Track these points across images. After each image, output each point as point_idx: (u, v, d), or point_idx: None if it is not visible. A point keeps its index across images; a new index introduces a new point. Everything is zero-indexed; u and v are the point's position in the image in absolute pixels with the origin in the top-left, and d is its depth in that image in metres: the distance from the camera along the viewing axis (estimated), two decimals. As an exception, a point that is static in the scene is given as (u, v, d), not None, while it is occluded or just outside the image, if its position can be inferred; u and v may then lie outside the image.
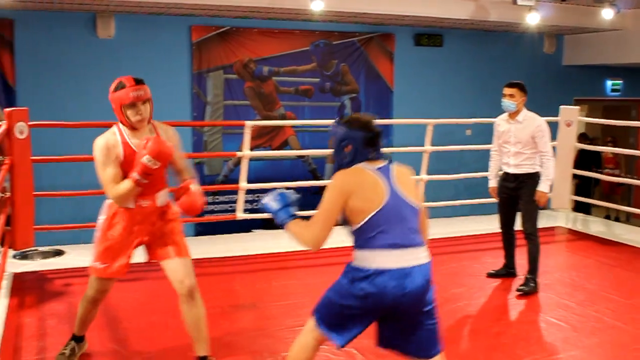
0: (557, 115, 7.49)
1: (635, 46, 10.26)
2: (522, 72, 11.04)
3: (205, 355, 3.47)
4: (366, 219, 2.72)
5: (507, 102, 5.10)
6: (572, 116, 7.42)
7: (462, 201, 7.82)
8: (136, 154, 3.29)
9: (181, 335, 3.92)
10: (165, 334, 4.10)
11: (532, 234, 5.10)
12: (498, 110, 9.03)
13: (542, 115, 7.86)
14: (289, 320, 4.35)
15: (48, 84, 8.34)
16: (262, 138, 9.48)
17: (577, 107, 7.74)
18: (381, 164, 2.83)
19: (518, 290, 4.99)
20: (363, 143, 2.82)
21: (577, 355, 3.85)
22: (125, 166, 3.32)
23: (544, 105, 8.89)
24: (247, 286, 5.15)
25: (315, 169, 9.92)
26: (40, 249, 5.95)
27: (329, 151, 9.46)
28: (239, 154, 6.37)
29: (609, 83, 12.27)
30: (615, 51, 10.65)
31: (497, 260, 5.80)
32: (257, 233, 7.37)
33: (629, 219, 11.02)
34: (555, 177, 7.55)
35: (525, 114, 5.13)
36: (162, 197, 3.50)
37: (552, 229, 7.32)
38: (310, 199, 8.98)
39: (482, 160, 8.10)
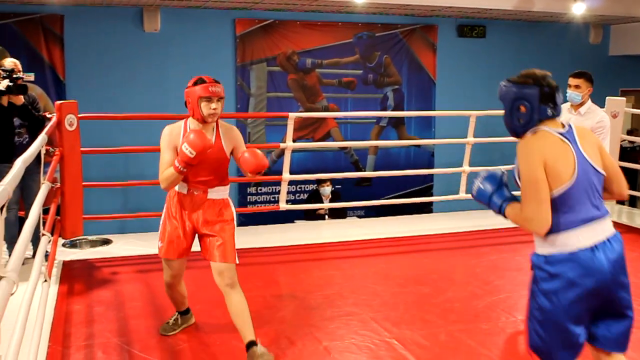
0: (603, 107, 7.38)
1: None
2: (567, 63, 10.86)
3: (253, 339, 3.55)
4: (557, 194, 2.46)
5: (572, 94, 4.93)
6: (618, 107, 7.32)
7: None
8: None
9: (224, 325, 4.03)
10: (209, 323, 4.18)
11: None
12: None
13: (587, 106, 7.78)
14: (329, 311, 4.38)
15: (96, 78, 8.55)
16: (305, 130, 9.56)
17: (624, 99, 7.63)
18: (563, 127, 2.56)
19: None
20: (540, 100, 2.56)
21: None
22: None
23: (590, 96, 8.76)
24: (288, 276, 5.20)
25: (357, 161, 9.96)
26: (89, 237, 6.08)
27: (370, 143, 9.53)
28: (282, 145, 6.44)
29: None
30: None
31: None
32: (299, 224, 7.44)
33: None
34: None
35: (589, 106, 4.98)
36: (217, 191, 3.73)
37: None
38: (353, 190, 9.14)
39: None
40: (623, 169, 8.64)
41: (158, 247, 3.76)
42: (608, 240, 2.48)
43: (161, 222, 3.77)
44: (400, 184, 9.24)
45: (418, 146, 9.86)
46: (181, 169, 3.45)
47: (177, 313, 4.06)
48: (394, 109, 9.98)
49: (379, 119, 9.91)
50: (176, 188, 3.67)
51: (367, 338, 3.92)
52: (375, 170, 9.63)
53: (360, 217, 8.86)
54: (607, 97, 7.46)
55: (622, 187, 2.66)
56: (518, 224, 2.56)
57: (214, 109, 3.54)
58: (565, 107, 5.02)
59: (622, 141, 7.73)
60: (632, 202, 9.88)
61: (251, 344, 3.51)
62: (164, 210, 3.78)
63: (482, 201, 2.71)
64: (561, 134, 2.51)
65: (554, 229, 2.45)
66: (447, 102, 9.82)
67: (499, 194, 2.64)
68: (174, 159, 3.50)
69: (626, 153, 9.82)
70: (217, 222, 3.69)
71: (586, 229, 2.46)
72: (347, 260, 5.66)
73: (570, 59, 10.85)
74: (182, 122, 3.69)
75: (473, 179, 2.78)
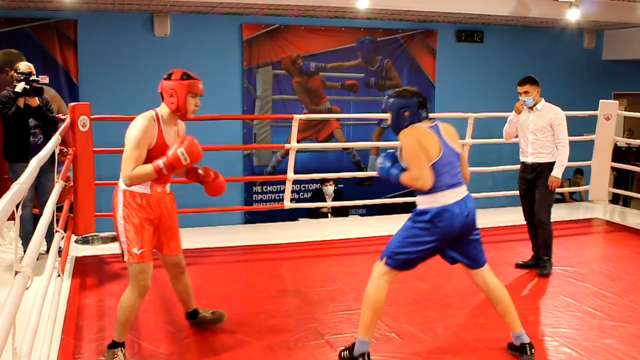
0: (596, 109, 7.55)
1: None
2: (562, 67, 11.08)
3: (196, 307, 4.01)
4: (430, 165, 3.36)
5: (525, 99, 5.24)
6: (611, 110, 7.48)
7: (500, 193, 7.94)
8: (166, 144, 3.48)
9: (230, 317, 4.14)
10: None
11: (545, 223, 5.27)
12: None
13: (581, 109, 7.98)
14: (332, 306, 4.47)
15: (108, 80, 8.71)
16: (309, 131, 9.73)
17: (616, 102, 7.79)
18: (431, 123, 3.48)
19: (539, 275, 5.21)
20: (417, 107, 3.47)
21: (613, 344, 3.88)
22: (152, 153, 3.44)
23: (583, 100, 8.96)
24: (292, 272, 5.30)
25: (359, 161, 10.13)
26: (100, 234, 6.19)
27: (373, 144, 9.69)
28: (287, 146, 6.57)
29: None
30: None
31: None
32: (303, 222, 7.58)
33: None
34: (593, 170, 7.65)
35: (544, 104, 5.28)
36: (168, 184, 3.71)
37: (589, 220, 7.40)
38: (355, 189, 9.31)
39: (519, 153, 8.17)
40: (616, 169, 8.74)
41: (135, 253, 3.44)
42: (463, 199, 3.44)
43: (126, 227, 3.43)
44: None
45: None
46: (164, 171, 3.38)
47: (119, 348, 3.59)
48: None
49: (380, 120, 10.08)
50: (134, 188, 3.47)
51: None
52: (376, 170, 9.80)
53: (362, 215, 9.03)
54: (600, 100, 7.62)
55: (467, 171, 3.62)
56: (409, 184, 3.41)
57: (197, 105, 3.58)
58: (525, 111, 5.37)
59: (616, 142, 7.88)
60: (625, 201, 10.05)
61: (196, 311, 4.02)
62: (123, 212, 3.45)
63: (384, 174, 3.51)
64: (429, 127, 3.45)
65: (431, 190, 3.37)
66: (446, 105, 9.96)
67: (396, 166, 3.45)
68: (144, 156, 3.39)
69: (621, 153, 9.99)
70: (174, 215, 3.74)
71: (451, 191, 3.41)
72: (349, 257, 5.77)
73: (565, 63, 11.04)
74: (153, 115, 3.54)
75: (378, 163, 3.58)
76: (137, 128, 3.43)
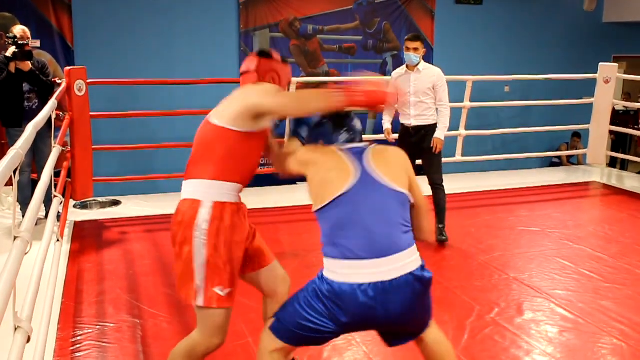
0: (595, 73, 7.52)
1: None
2: (562, 30, 11.01)
3: None
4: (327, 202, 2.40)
5: (412, 55, 5.02)
6: (610, 73, 7.45)
7: (499, 156, 7.94)
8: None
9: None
10: None
11: (441, 184, 5.14)
12: (536, 68, 9.13)
13: (580, 72, 7.97)
14: None
15: (104, 44, 8.64)
16: (306, 94, 9.68)
17: (616, 65, 7.77)
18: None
19: (438, 241, 5.05)
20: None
21: (608, 306, 3.95)
22: (252, 139, 2.55)
23: (582, 63, 8.93)
24: (290, 235, 5.33)
25: (356, 125, 10.10)
26: (99, 199, 6.21)
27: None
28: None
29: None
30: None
31: (531, 214, 5.97)
32: (301, 185, 7.59)
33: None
34: (592, 133, 7.66)
35: (425, 65, 5.12)
36: None
37: (587, 184, 7.43)
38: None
39: (519, 117, 8.25)
40: (613, 133, 8.76)
41: (219, 295, 2.49)
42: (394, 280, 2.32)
43: (210, 255, 2.46)
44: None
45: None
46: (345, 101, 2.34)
47: None
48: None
49: (380, 84, 10.04)
50: (220, 198, 2.49)
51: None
52: (374, 133, 9.78)
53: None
54: (599, 63, 7.58)
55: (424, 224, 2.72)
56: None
57: None
58: (400, 69, 5.21)
59: (614, 105, 7.86)
60: (623, 165, 10.08)
61: None
62: (207, 234, 2.45)
63: None
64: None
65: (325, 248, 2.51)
66: (444, 68, 9.77)
67: None
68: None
69: (619, 117, 9.97)
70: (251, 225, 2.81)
71: (362, 263, 2.36)
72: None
73: (565, 26, 10.97)
74: None
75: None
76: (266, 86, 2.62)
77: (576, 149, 9.84)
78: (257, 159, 2.66)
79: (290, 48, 9.67)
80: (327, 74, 9.86)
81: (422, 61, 5.11)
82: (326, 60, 9.90)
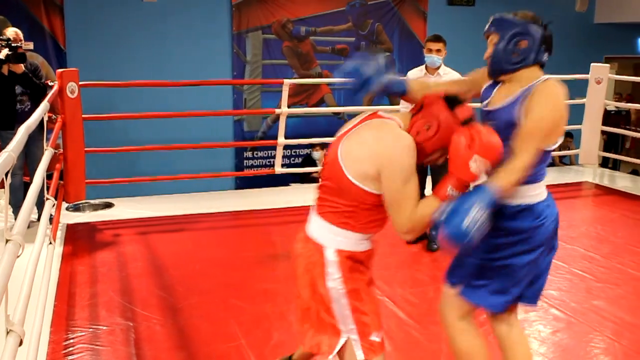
0: (587, 73, 7.55)
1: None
2: (554, 30, 10.91)
3: None
4: (548, 149, 2.33)
5: (435, 57, 4.80)
6: (602, 74, 7.48)
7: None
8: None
9: (221, 282, 4.21)
10: (208, 282, 4.29)
11: None
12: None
13: (572, 73, 7.98)
14: None
15: (96, 46, 8.63)
16: (300, 96, 9.69)
17: (607, 65, 7.79)
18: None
19: (428, 249, 4.95)
20: (540, 42, 2.39)
21: (601, 305, 3.98)
22: None
23: (574, 63, 8.92)
24: (283, 236, 5.27)
25: (350, 126, 10.11)
26: (91, 201, 6.16)
27: (364, 108, 9.63)
28: (277, 111, 6.55)
29: (640, 41, 12.20)
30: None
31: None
32: (294, 187, 7.60)
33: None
34: (584, 133, 7.68)
35: (445, 69, 4.89)
36: None
37: (579, 184, 7.44)
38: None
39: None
40: (605, 133, 8.80)
41: (376, 342, 2.27)
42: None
43: (356, 303, 2.24)
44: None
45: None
46: (453, 196, 2.19)
47: None
48: (385, 76, 10.11)
49: (372, 85, 10.06)
50: (343, 246, 2.24)
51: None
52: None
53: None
54: (591, 64, 7.61)
55: None
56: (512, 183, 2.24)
57: None
58: (419, 71, 4.94)
59: (606, 106, 7.89)
60: (615, 165, 10.12)
61: None
62: (344, 282, 2.23)
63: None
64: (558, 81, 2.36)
65: (537, 179, 2.40)
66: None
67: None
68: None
69: (610, 117, 10.04)
70: None
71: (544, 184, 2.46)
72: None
73: (557, 27, 10.86)
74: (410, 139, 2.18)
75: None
76: (408, 150, 2.14)
77: (568, 149, 9.85)
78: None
79: (283, 50, 9.68)
80: (319, 76, 9.87)
81: (443, 64, 4.89)
82: (319, 62, 9.91)
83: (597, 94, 7.51)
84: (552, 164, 10.18)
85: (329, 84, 9.88)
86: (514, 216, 2.38)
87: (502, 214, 2.35)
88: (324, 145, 8.97)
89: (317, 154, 8.26)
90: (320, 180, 2.35)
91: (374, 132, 2.20)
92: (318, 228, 2.31)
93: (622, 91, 12.03)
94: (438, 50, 4.77)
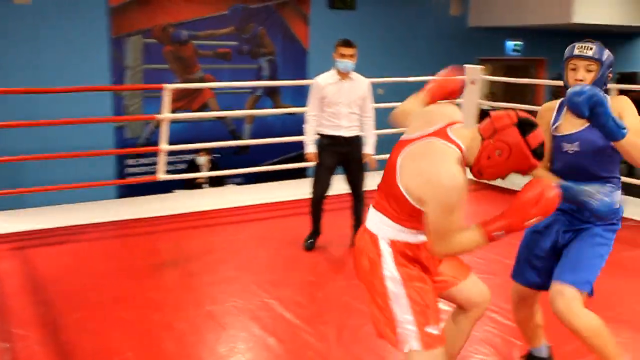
0: (462, 74, 7.86)
1: (533, 9, 10.82)
2: (430, 33, 11.48)
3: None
4: None
5: (349, 63, 4.78)
6: (475, 75, 7.82)
7: (381, 155, 8.11)
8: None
9: (107, 295, 4.07)
10: (92, 295, 4.13)
11: (364, 196, 5.05)
12: (407, 71, 9.38)
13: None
14: (211, 276, 4.46)
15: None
16: (182, 101, 9.54)
17: (481, 67, 8.14)
18: None
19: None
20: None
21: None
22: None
23: (449, 65, 9.29)
24: (170, 244, 5.21)
25: (234, 130, 10.06)
26: None
27: (247, 112, 9.55)
28: (158, 117, 6.43)
29: (510, 44, 12.89)
30: (516, 14, 11.21)
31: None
32: (179, 193, 7.48)
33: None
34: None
35: (355, 74, 4.91)
36: None
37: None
38: (231, 159, 9.23)
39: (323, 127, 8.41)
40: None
41: (434, 334, 2.30)
42: None
43: (410, 292, 2.30)
44: (276, 151, 9.41)
45: (293, 114, 10.02)
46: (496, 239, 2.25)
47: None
48: (268, 79, 10.16)
49: (255, 88, 10.05)
50: (397, 237, 2.34)
51: (248, 300, 4.04)
52: (252, 138, 9.79)
53: (239, 184, 9.01)
54: (465, 66, 7.94)
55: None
56: (634, 153, 2.52)
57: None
58: (330, 77, 4.90)
59: (481, 105, 8.24)
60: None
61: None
62: (397, 270, 2.32)
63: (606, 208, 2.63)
64: None
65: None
66: (319, 71, 9.96)
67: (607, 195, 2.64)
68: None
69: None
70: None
71: None
72: (228, 226, 5.76)
73: (433, 30, 11.45)
74: (458, 154, 2.24)
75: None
76: (457, 180, 2.16)
77: (447, 148, 10.24)
78: None
79: (164, 54, 9.49)
80: (202, 80, 9.75)
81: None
82: (201, 66, 9.79)
83: (472, 94, 7.85)
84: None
85: (212, 89, 9.79)
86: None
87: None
88: (209, 150, 8.90)
89: (201, 159, 8.17)
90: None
91: (431, 158, 2.21)
92: (373, 220, 2.39)
93: (495, 91, 12.64)
94: (351, 56, 4.79)
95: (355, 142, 4.96)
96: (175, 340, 3.52)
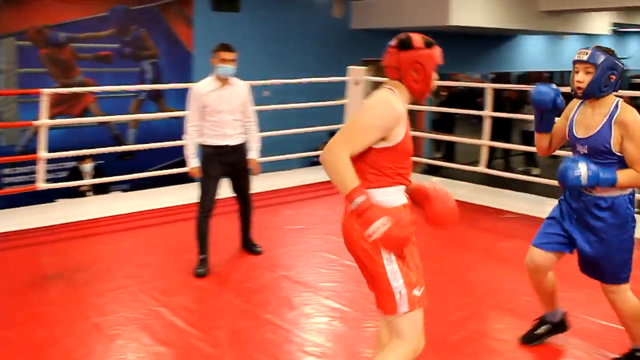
0: (346, 76, 8.03)
1: (412, 12, 11.21)
2: (313, 36, 11.64)
3: None
4: None
5: (230, 68, 4.64)
6: (359, 76, 8.00)
7: (264, 158, 8.12)
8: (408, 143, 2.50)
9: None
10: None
11: (251, 200, 5.02)
12: (294, 72, 9.47)
13: (331, 76, 8.40)
14: (98, 286, 4.35)
15: None
16: (61, 106, 9.19)
17: (364, 68, 8.34)
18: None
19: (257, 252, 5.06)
20: (621, 76, 3.01)
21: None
22: (400, 147, 2.47)
23: (333, 67, 9.48)
24: (53, 256, 5.02)
25: (118, 135, 9.81)
26: None
27: (132, 117, 9.35)
28: (35, 123, 6.17)
29: (392, 45, 13.25)
30: (397, 16, 11.57)
31: (296, 212, 6.22)
32: (61, 202, 7.21)
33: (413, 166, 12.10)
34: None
35: (233, 78, 4.77)
36: None
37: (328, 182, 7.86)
38: (116, 164, 9.01)
39: (278, 120, 8.50)
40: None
41: (417, 296, 2.48)
42: None
43: (399, 260, 2.45)
44: (163, 155, 9.25)
45: (178, 117, 9.87)
46: (350, 206, 2.37)
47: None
48: (152, 82, 9.96)
49: (138, 92, 9.83)
50: (388, 203, 2.44)
51: (137, 309, 3.97)
52: (137, 143, 9.57)
53: (125, 191, 8.79)
54: (348, 67, 8.11)
55: None
56: (630, 186, 3.00)
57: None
58: (209, 84, 4.72)
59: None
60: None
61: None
62: (392, 234, 2.37)
63: (592, 183, 2.95)
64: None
65: None
66: (204, 74, 9.79)
67: (604, 170, 2.95)
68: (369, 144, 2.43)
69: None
70: None
71: None
72: (114, 234, 5.62)
73: (316, 32, 11.62)
74: (392, 91, 2.49)
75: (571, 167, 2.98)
76: (383, 101, 2.43)
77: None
78: (410, 153, 2.54)
79: (40, 57, 9.11)
80: (82, 84, 9.43)
81: None
82: (81, 70, 9.47)
83: (356, 94, 8.02)
84: (318, 163, 10.68)
85: (93, 93, 9.49)
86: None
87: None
88: (93, 157, 8.63)
89: (85, 167, 7.90)
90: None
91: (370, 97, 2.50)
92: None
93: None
94: (232, 60, 4.65)
95: (241, 150, 4.82)
96: (61, 356, 3.41)
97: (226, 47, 4.66)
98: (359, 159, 2.43)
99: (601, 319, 3.84)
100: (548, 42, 18.09)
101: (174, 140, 7.28)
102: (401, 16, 11.44)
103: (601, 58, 2.97)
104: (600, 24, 14.30)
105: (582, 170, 2.92)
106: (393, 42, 2.53)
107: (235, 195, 5.00)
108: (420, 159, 8.73)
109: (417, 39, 2.50)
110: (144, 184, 7.72)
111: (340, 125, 8.21)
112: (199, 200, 4.76)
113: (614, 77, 2.99)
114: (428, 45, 2.50)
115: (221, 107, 4.64)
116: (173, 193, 6.90)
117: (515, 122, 11.53)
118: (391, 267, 2.43)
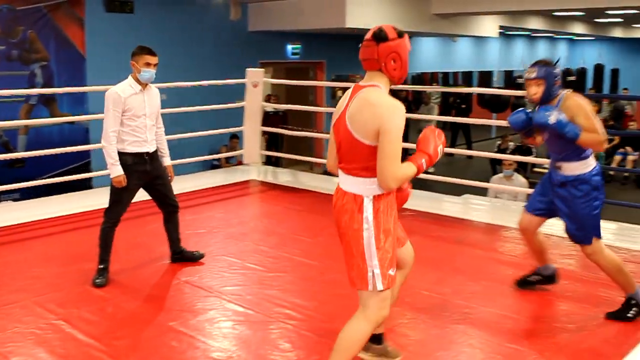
0: (244, 78, 8.02)
1: (310, 15, 11.34)
2: (210, 38, 11.56)
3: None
4: None
5: (152, 72, 4.57)
6: (258, 78, 8.00)
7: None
8: None
9: None
10: None
11: (178, 205, 4.89)
12: (192, 75, 9.37)
13: (230, 78, 8.35)
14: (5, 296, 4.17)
15: None
16: (-58, 113, 8.69)
17: (262, 70, 8.36)
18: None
19: (198, 258, 4.96)
20: (562, 76, 3.82)
21: (273, 294, 4.24)
22: None
23: (231, 69, 9.42)
24: None
25: (7, 142, 9.35)
26: None
27: (21, 122, 8.95)
28: None
29: (290, 47, 13.37)
30: (294, 18, 11.67)
31: (197, 216, 6.14)
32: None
33: (312, 168, 12.27)
34: (245, 134, 8.17)
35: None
36: None
37: (246, 182, 7.87)
38: (5, 173, 8.61)
39: (178, 124, 8.37)
40: (266, 133, 9.36)
41: (391, 276, 2.82)
42: None
43: (380, 244, 2.77)
44: (56, 162, 8.93)
45: (72, 123, 9.55)
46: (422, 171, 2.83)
47: None
48: (43, 86, 9.54)
49: (28, 96, 9.40)
50: (378, 191, 2.78)
51: (32, 324, 3.79)
52: (27, 150, 9.16)
53: (15, 200, 8.40)
54: (247, 69, 8.09)
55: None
56: (590, 145, 3.68)
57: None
58: (130, 86, 4.56)
59: (265, 107, 8.47)
60: (277, 162, 10.96)
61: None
62: (374, 225, 2.77)
63: (560, 127, 3.62)
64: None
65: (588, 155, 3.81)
66: (98, 78, 9.55)
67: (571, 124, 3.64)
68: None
69: (270, 118, 10.85)
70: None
71: None
72: (4, 246, 5.34)
73: (213, 35, 11.53)
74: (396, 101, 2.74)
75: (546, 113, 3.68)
76: (401, 116, 2.70)
77: (234, 150, 10.35)
78: None
79: None
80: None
81: None
82: (-35, 73, 8.98)
83: (255, 96, 8.02)
84: (220, 166, 10.61)
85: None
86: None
87: None
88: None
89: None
90: (339, 150, 2.86)
91: (372, 98, 2.72)
92: (352, 184, 2.80)
93: (278, 93, 13.02)
94: (156, 65, 4.55)
95: (156, 156, 4.70)
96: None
97: (151, 51, 4.58)
98: (359, 159, 2.75)
99: (498, 310, 4.01)
100: (441, 44, 18.67)
101: (68, 146, 7.04)
102: (298, 18, 11.53)
103: (545, 71, 3.73)
104: (490, 27, 14.89)
105: (553, 115, 3.63)
106: (368, 36, 2.78)
107: (157, 203, 4.83)
108: (322, 160, 8.82)
109: (390, 30, 2.75)
110: (36, 193, 7.42)
111: (240, 128, 8.19)
112: (109, 209, 4.59)
113: (558, 82, 3.76)
114: (400, 35, 2.77)
115: (142, 111, 4.51)
116: (67, 201, 6.67)
117: (411, 121, 11.82)
118: (373, 246, 2.74)
